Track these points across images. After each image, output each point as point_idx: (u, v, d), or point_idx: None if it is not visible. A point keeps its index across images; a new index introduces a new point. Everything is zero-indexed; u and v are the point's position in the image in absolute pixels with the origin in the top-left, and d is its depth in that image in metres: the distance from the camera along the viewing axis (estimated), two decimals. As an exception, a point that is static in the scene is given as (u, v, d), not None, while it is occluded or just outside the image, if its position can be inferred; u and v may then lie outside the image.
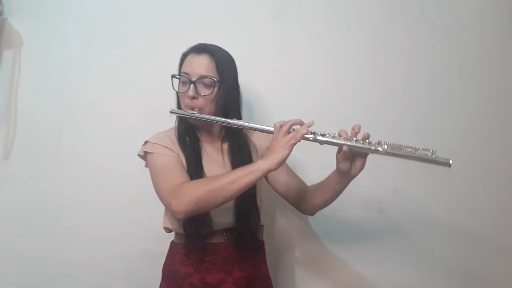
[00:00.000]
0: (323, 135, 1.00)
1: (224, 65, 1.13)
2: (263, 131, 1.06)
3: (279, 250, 1.51)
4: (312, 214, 1.24)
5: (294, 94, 1.50)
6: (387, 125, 1.49)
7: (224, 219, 1.13)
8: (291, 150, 0.98)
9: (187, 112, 1.12)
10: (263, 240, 1.28)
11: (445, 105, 1.51)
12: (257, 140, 1.25)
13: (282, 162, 0.98)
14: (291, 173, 1.25)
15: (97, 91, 1.50)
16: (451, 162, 0.94)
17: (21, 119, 1.50)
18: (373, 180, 1.42)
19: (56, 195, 1.49)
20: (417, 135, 1.50)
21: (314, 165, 1.39)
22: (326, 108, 1.49)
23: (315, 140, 1.00)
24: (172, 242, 1.22)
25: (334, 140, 0.99)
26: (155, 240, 1.42)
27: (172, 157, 1.11)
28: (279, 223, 1.52)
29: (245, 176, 0.98)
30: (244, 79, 1.49)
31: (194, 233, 1.12)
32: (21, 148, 1.50)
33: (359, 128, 1.02)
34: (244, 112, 1.47)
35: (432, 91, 1.51)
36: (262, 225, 1.24)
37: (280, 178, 1.22)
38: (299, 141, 0.99)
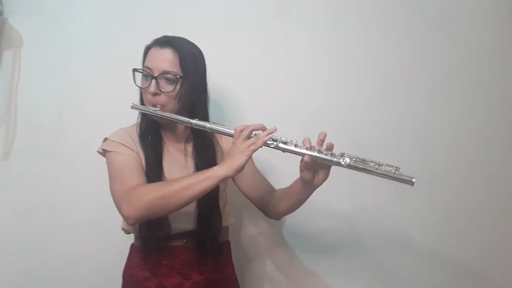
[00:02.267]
0: (285, 143, 0.96)
1: (189, 60, 1.06)
2: (224, 134, 1.02)
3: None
4: (278, 218, 1.21)
5: (294, 94, 1.50)
6: (388, 125, 1.50)
7: (183, 222, 1.09)
8: (249, 156, 0.94)
9: (149, 109, 1.06)
10: (229, 241, 1.24)
11: (445, 105, 1.51)
12: (226, 142, 1.20)
13: (240, 169, 0.94)
14: (258, 175, 1.21)
15: (97, 91, 1.50)
16: (414, 180, 0.90)
17: (21, 119, 1.50)
18: (373, 180, 1.41)
19: (56, 195, 1.49)
20: (418, 135, 1.50)
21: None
22: (327, 108, 1.49)
23: (276, 147, 0.96)
24: (132, 244, 1.19)
25: (296, 149, 0.96)
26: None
27: (130, 156, 1.05)
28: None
29: (199, 182, 0.93)
30: (244, 79, 1.50)
31: (150, 236, 1.07)
32: (21, 148, 1.50)
33: (325, 136, 0.98)
34: (243, 112, 1.48)
35: (433, 91, 1.51)
36: (227, 226, 1.21)
37: (246, 180, 1.17)
38: (260, 147, 0.95)
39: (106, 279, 1.49)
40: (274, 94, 1.50)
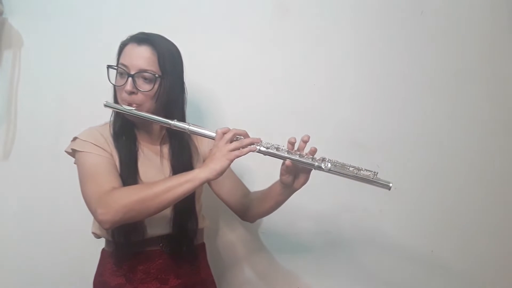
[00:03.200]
0: (267, 147, 0.96)
1: (168, 58, 1.02)
2: (204, 136, 0.99)
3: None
4: (252, 221, 1.20)
5: (293, 94, 1.50)
6: (387, 125, 1.50)
7: (159, 226, 1.06)
8: (232, 160, 0.92)
9: (124, 108, 1.01)
10: (204, 243, 1.23)
11: (445, 105, 1.51)
12: (205, 145, 1.17)
13: (222, 172, 0.92)
14: (236, 179, 1.19)
15: (97, 91, 1.49)
16: (391, 185, 0.95)
17: (21, 119, 1.50)
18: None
19: (56, 195, 1.49)
20: (417, 135, 1.50)
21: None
22: (326, 108, 1.49)
23: (258, 151, 0.96)
24: (103, 250, 1.14)
25: (278, 153, 0.96)
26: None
27: (103, 157, 1.01)
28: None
29: (180, 185, 0.90)
30: (244, 79, 1.50)
31: (124, 241, 1.02)
32: (21, 148, 1.49)
33: (308, 138, 0.97)
34: (242, 112, 1.48)
35: (432, 91, 1.51)
36: (202, 228, 1.19)
37: (224, 185, 1.16)
38: (245, 154, 0.93)
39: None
40: (273, 94, 1.50)
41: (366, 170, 0.95)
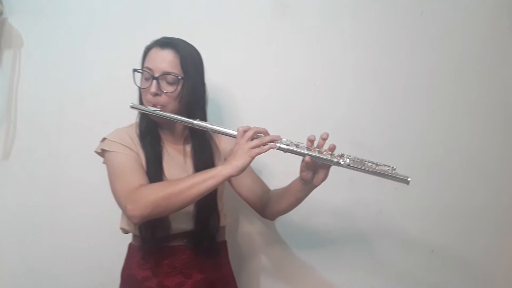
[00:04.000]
0: (286, 144, 0.98)
1: (189, 61, 1.08)
2: (226, 134, 1.02)
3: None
4: (273, 219, 1.23)
5: (294, 94, 1.50)
6: (387, 125, 1.50)
7: (183, 222, 1.10)
8: (253, 158, 0.95)
9: (150, 109, 1.06)
10: (226, 240, 1.25)
11: (444, 105, 1.51)
12: (224, 143, 1.21)
13: (244, 169, 0.95)
14: (256, 177, 1.22)
15: (97, 91, 1.50)
16: (409, 179, 0.95)
17: (21, 119, 1.50)
18: (373, 180, 1.41)
19: (56, 195, 1.49)
20: (417, 134, 1.50)
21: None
22: (326, 108, 1.49)
23: (278, 148, 0.98)
24: (130, 244, 1.19)
25: (297, 149, 0.98)
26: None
27: (130, 156, 1.06)
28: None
29: (204, 181, 0.94)
30: (243, 79, 1.50)
31: (150, 236, 1.08)
32: (21, 148, 1.50)
33: (327, 135, 0.99)
34: (242, 112, 1.49)
35: (432, 91, 1.51)
36: (224, 226, 1.21)
37: (244, 182, 1.19)
38: (266, 151, 0.96)
39: (106, 278, 1.49)
40: (273, 94, 1.50)
41: (384, 165, 0.96)
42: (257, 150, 0.95)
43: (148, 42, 1.09)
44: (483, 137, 1.51)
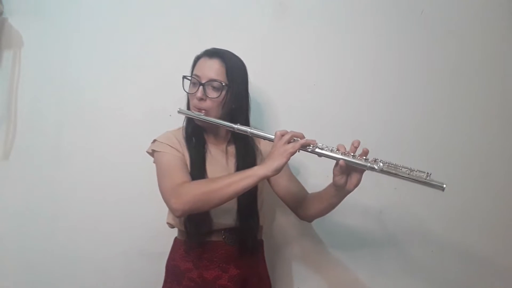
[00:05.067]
0: (321, 148, 1.01)
1: (235, 71, 1.16)
2: (264, 138, 1.08)
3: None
4: (310, 221, 1.26)
5: (294, 94, 1.50)
6: (388, 125, 1.50)
7: (224, 219, 1.17)
8: (288, 158, 1.00)
9: (194, 113, 1.15)
10: (262, 239, 1.30)
11: (445, 105, 1.51)
12: (263, 146, 1.27)
13: (279, 170, 1.00)
14: (293, 178, 1.26)
15: (97, 91, 1.50)
16: (444, 186, 0.95)
17: (21, 119, 1.50)
18: (373, 180, 1.42)
19: (56, 195, 1.50)
20: (417, 135, 1.50)
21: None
22: (326, 108, 1.49)
23: (313, 152, 1.01)
24: (175, 238, 1.26)
25: (332, 154, 1.01)
26: (155, 239, 1.42)
27: (177, 156, 1.15)
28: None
29: (241, 180, 1.00)
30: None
31: (194, 231, 1.16)
32: (21, 148, 1.50)
33: (359, 143, 1.01)
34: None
35: (432, 91, 1.51)
36: (262, 226, 1.26)
37: (282, 183, 1.24)
38: (298, 151, 1.00)
39: (105, 279, 1.50)
40: (273, 94, 1.50)
41: (419, 171, 0.96)
42: (291, 150, 1.00)
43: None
44: (484, 136, 1.50)
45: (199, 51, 1.19)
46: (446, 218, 1.50)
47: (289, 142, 1.02)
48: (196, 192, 1.04)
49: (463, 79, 1.51)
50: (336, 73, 1.51)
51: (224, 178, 1.03)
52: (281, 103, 1.50)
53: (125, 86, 1.50)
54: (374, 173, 0.99)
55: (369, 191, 1.46)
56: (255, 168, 1.02)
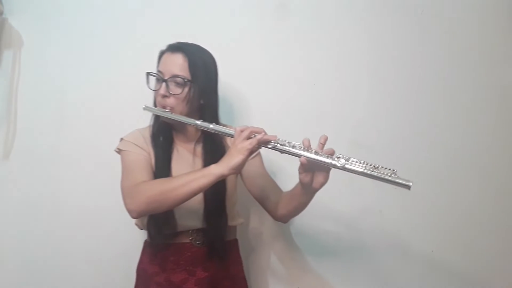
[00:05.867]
0: (282, 144, 0.97)
1: (199, 65, 1.11)
2: (225, 134, 1.06)
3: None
4: (284, 221, 1.20)
5: (294, 94, 1.50)
6: (388, 125, 1.50)
7: (191, 220, 1.12)
8: (247, 156, 0.96)
9: (159, 110, 1.11)
10: (237, 239, 1.27)
11: (446, 105, 1.51)
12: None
13: (237, 168, 0.96)
14: (266, 176, 1.22)
15: (96, 91, 1.50)
16: (410, 184, 0.89)
17: (21, 119, 1.50)
18: (373, 180, 1.42)
19: (56, 195, 1.49)
20: (418, 135, 1.50)
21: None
22: (326, 108, 1.49)
23: (274, 148, 0.98)
24: (145, 241, 1.23)
25: (293, 150, 0.96)
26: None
27: (140, 155, 1.11)
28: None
29: (196, 179, 0.96)
30: (244, 79, 1.50)
31: (156, 233, 1.12)
32: (21, 148, 1.50)
33: (325, 139, 0.97)
34: (244, 112, 1.48)
35: (432, 91, 1.51)
36: (234, 226, 1.23)
37: (254, 182, 1.19)
38: (256, 147, 0.96)
39: (105, 278, 1.50)
40: (273, 94, 1.50)
41: (384, 168, 0.91)
42: (249, 146, 0.96)
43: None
44: (483, 137, 1.50)
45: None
46: (446, 218, 1.50)
47: (248, 138, 0.97)
48: (150, 193, 0.99)
49: (462, 78, 1.51)
50: (336, 73, 1.51)
51: (180, 177, 0.99)
52: (281, 103, 1.49)
53: (124, 86, 1.50)
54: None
55: (369, 191, 1.46)
56: (212, 166, 0.97)
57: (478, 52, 1.51)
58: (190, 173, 1.00)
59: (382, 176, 0.91)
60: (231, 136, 1.02)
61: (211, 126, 1.05)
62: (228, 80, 1.47)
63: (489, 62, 1.51)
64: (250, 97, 1.49)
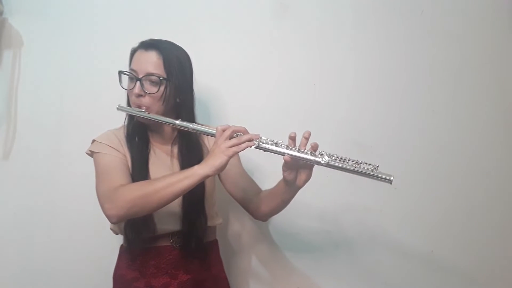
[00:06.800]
0: (265, 142, 0.96)
1: (174, 62, 1.07)
2: (206, 134, 1.04)
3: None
4: (264, 220, 1.20)
5: (293, 94, 1.50)
6: (388, 125, 1.50)
7: (169, 223, 1.10)
8: (230, 157, 0.94)
9: (134, 110, 1.07)
10: (216, 239, 1.25)
11: (445, 105, 1.51)
12: (211, 143, 1.18)
13: (221, 169, 0.94)
14: (245, 175, 1.20)
15: (96, 90, 1.50)
16: (392, 178, 0.91)
17: (21, 119, 1.50)
18: (373, 180, 1.42)
19: (55, 195, 1.49)
20: (417, 135, 1.50)
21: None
22: (326, 108, 1.49)
23: (257, 147, 0.96)
24: (121, 245, 1.20)
25: (276, 148, 0.96)
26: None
27: (116, 157, 1.07)
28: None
29: (180, 181, 0.93)
30: (244, 79, 1.50)
31: (135, 237, 1.08)
32: (21, 148, 1.50)
33: (309, 134, 0.97)
34: (244, 113, 1.48)
35: (432, 91, 1.51)
36: (213, 226, 1.21)
37: (232, 180, 1.18)
38: (242, 150, 0.95)
39: (105, 278, 1.49)
40: (273, 94, 1.50)
41: (366, 163, 0.93)
42: (234, 148, 0.94)
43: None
44: (483, 137, 1.51)
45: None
46: (446, 218, 1.50)
47: (231, 137, 0.96)
48: (131, 197, 0.95)
49: (463, 79, 1.51)
50: (336, 73, 1.51)
51: (162, 179, 0.95)
52: (280, 103, 1.49)
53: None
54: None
55: (369, 191, 1.46)
56: (195, 167, 0.94)
57: (479, 52, 1.51)
58: (172, 175, 0.97)
59: (364, 171, 0.93)
60: (212, 135, 0.99)
61: (191, 125, 1.02)
62: (226, 81, 1.48)
63: (490, 62, 1.51)
64: (250, 98, 1.49)
